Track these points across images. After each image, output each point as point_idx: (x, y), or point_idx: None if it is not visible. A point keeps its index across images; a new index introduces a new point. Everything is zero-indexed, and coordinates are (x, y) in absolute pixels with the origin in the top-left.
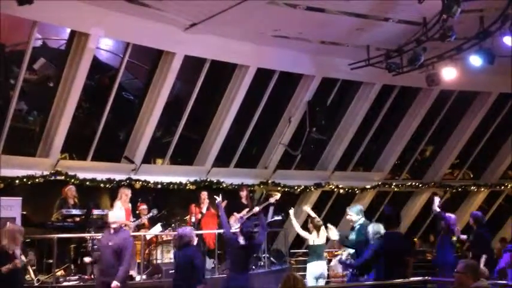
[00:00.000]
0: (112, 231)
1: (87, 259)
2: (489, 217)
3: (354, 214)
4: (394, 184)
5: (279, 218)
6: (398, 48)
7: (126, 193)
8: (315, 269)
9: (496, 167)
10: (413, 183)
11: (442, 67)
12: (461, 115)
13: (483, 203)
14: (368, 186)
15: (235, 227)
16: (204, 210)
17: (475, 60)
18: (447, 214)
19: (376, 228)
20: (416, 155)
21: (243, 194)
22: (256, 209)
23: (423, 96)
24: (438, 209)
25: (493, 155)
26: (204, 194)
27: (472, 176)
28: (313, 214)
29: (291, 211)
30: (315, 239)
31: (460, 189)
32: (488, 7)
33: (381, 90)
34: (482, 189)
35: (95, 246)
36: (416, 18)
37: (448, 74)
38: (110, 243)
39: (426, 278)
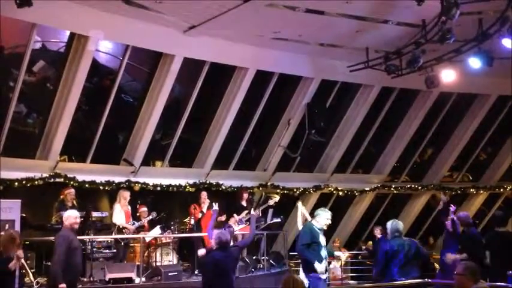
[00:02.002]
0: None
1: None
2: (488, 219)
3: None
4: (393, 186)
5: (278, 220)
6: (398, 50)
7: (125, 196)
8: None
9: (495, 169)
10: (413, 186)
11: (441, 69)
12: (461, 117)
13: (482, 205)
14: (367, 189)
15: (236, 228)
16: (204, 210)
17: (474, 63)
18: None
19: (394, 225)
20: (416, 158)
21: (245, 196)
22: (257, 212)
23: (422, 99)
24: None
25: (492, 157)
26: (204, 194)
27: (471, 178)
28: (307, 215)
29: (299, 203)
30: None
31: (459, 192)
32: (487, 9)
33: (380, 93)
34: (482, 191)
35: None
36: (416, 21)
37: (447, 76)
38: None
39: (426, 280)
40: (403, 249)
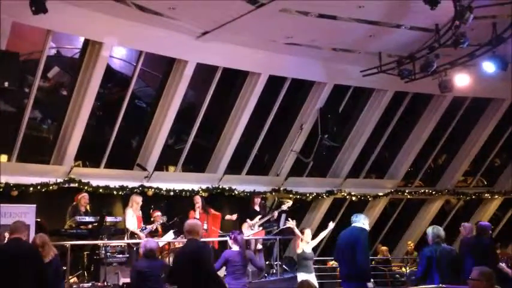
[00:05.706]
0: None
1: None
2: (503, 224)
3: None
4: (407, 191)
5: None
6: (411, 55)
7: (137, 201)
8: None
9: (511, 173)
10: (427, 191)
11: (455, 74)
12: (475, 122)
13: (497, 210)
14: (380, 194)
15: (247, 233)
16: (197, 215)
17: (488, 67)
18: None
19: (436, 231)
20: (430, 162)
21: (258, 201)
22: (275, 213)
23: (436, 103)
24: None
25: (507, 162)
26: (197, 198)
27: (485, 183)
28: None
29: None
30: (304, 247)
31: (473, 197)
32: (501, 13)
33: (393, 97)
34: (496, 196)
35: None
36: (429, 25)
37: (461, 80)
38: None
39: (440, 285)
40: (444, 256)
